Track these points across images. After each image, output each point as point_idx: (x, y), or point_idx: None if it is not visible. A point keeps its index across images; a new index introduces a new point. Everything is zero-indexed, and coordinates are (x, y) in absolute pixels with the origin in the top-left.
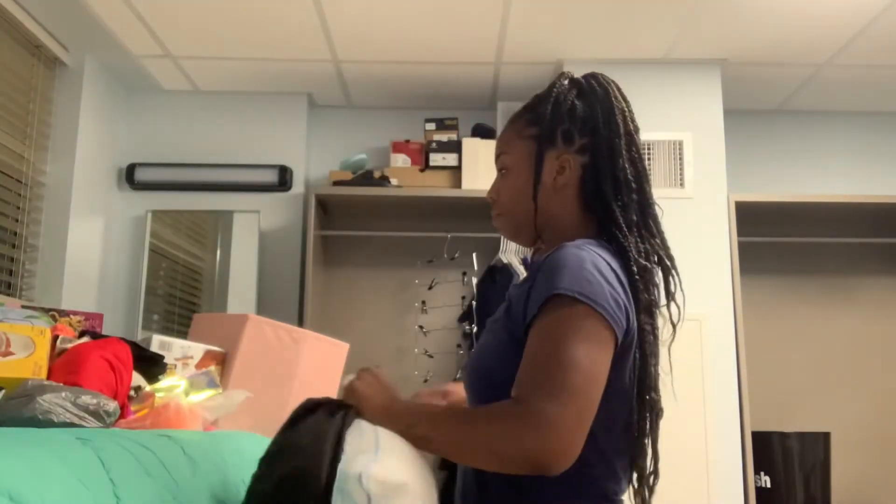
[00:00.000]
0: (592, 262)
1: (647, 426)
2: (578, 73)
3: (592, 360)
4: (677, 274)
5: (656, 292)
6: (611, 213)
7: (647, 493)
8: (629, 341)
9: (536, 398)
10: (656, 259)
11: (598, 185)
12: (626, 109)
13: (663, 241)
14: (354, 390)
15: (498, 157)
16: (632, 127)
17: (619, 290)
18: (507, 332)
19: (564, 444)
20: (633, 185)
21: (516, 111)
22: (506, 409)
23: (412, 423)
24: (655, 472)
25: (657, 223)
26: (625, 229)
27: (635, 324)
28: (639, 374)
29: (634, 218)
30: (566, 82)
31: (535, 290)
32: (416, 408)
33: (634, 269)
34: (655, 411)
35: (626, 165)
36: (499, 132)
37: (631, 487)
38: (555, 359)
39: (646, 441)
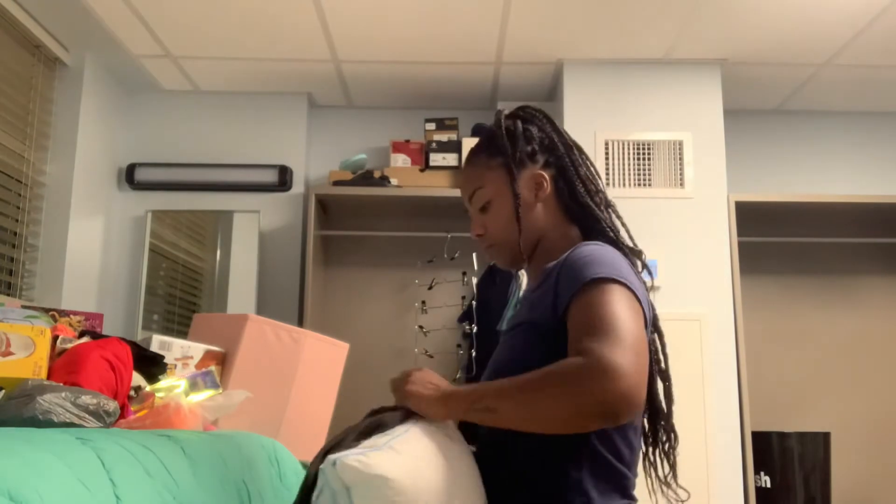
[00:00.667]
0: (615, 254)
1: (671, 411)
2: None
3: (637, 323)
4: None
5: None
6: (593, 213)
7: (674, 477)
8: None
9: (598, 348)
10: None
11: (573, 191)
12: (560, 126)
13: (627, 231)
14: (407, 394)
15: (472, 195)
16: (571, 139)
17: (636, 274)
18: (534, 331)
19: (633, 386)
20: (596, 186)
21: (469, 154)
22: (569, 363)
23: (474, 400)
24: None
25: (619, 217)
26: (609, 224)
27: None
28: (660, 362)
29: (607, 215)
30: (505, 118)
31: (562, 284)
32: (475, 386)
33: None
34: (671, 397)
35: (586, 171)
36: None
37: (660, 474)
38: (607, 317)
39: (674, 425)
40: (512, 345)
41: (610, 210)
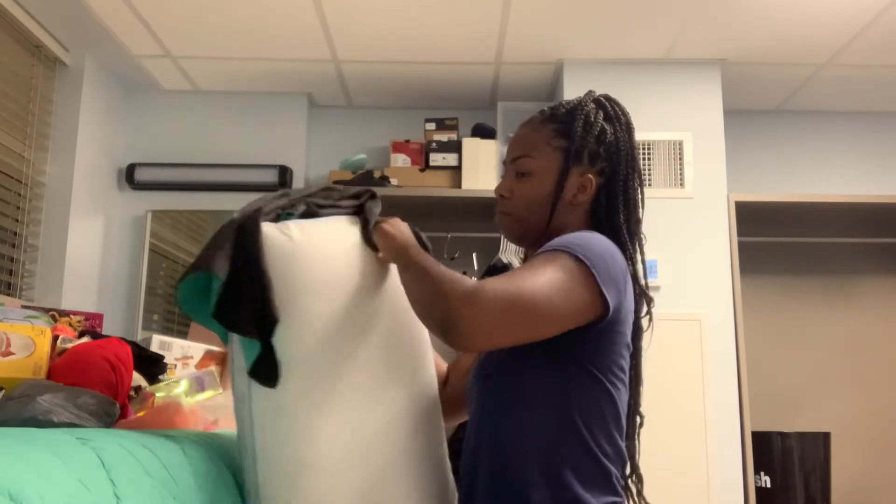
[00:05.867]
0: (602, 241)
1: (638, 431)
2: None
3: (555, 292)
4: (650, 300)
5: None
6: (619, 238)
7: (640, 493)
8: (618, 327)
9: (488, 285)
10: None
11: (611, 210)
12: (634, 141)
13: (644, 265)
14: (383, 226)
15: (519, 157)
16: (640, 160)
17: (620, 270)
18: None
19: (475, 320)
20: (637, 216)
21: (539, 116)
22: (464, 280)
23: (404, 259)
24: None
25: (643, 255)
26: (629, 255)
27: (629, 320)
28: (632, 387)
29: (631, 248)
30: (592, 103)
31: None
32: (413, 252)
33: (637, 289)
34: (641, 418)
35: (633, 196)
36: (500, 132)
37: (632, 488)
38: (528, 273)
39: (638, 443)
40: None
41: (638, 245)
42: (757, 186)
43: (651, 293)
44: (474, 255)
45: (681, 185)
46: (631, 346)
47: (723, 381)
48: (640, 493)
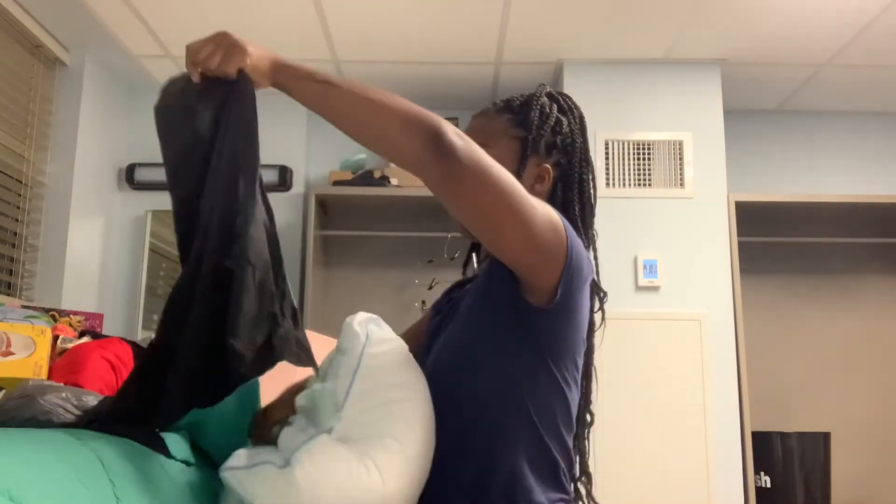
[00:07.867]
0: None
1: (588, 430)
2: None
3: (536, 210)
4: (604, 296)
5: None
6: (576, 229)
7: (589, 493)
8: (573, 317)
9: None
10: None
11: (567, 204)
12: (587, 137)
13: (596, 261)
14: (232, 49)
15: None
16: (591, 155)
17: (586, 261)
18: (481, 309)
19: (463, 147)
20: (592, 210)
21: (493, 107)
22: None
23: (315, 77)
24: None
25: (596, 252)
26: (585, 244)
27: (585, 318)
28: (584, 385)
29: (586, 237)
30: (545, 96)
31: None
32: (314, 67)
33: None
34: (591, 417)
35: (588, 189)
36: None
37: (581, 489)
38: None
39: (587, 443)
40: (457, 334)
41: (592, 242)
42: (757, 186)
43: (651, 293)
44: (474, 255)
45: (681, 185)
46: (586, 342)
47: (723, 381)
48: (589, 493)
